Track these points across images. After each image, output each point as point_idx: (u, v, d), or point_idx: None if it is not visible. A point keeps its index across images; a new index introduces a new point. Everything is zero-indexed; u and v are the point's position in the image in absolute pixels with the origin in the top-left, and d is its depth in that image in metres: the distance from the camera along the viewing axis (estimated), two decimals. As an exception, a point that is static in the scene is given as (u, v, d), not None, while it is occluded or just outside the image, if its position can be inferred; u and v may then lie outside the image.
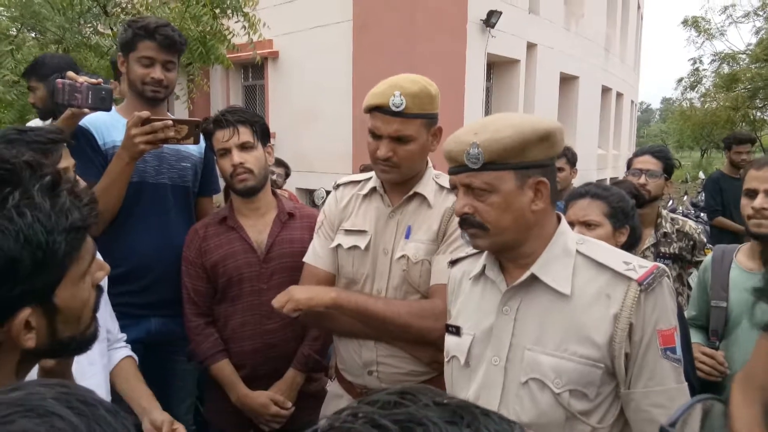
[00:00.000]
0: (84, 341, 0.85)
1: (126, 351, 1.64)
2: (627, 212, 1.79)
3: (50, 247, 0.71)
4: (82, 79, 1.78)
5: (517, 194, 1.09)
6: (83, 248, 0.78)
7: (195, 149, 2.11)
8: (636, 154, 2.65)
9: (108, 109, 1.85)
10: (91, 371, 1.36)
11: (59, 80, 1.76)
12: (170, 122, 1.76)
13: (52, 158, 1.31)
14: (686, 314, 1.95)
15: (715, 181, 4.50)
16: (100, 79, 1.88)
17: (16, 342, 0.73)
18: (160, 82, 1.95)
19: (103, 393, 1.47)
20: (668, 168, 2.54)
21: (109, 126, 1.96)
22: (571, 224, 1.80)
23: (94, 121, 1.95)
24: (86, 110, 1.78)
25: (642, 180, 2.45)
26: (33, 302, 0.73)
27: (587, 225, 1.76)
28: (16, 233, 0.68)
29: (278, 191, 2.19)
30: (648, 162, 2.51)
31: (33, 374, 0.88)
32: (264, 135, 1.89)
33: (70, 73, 1.82)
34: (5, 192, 0.69)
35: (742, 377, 1.35)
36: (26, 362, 0.80)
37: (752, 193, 1.76)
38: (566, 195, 2.03)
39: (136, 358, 1.67)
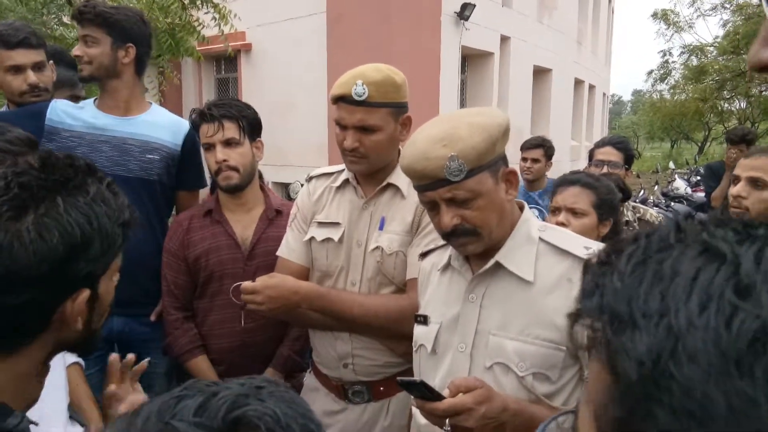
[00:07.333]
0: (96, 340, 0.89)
1: (73, 356, 1.59)
2: (613, 205, 1.79)
3: (112, 237, 0.80)
4: None
5: (495, 190, 1.11)
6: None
7: (170, 141, 2.01)
8: (597, 146, 2.71)
9: None
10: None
11: None
12: None
13: None
14: None
15: (714, 170, 4.51)
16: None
17: (69, 323, 0.78)
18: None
19: (62, 384, 1.44)
20: (628, 159, 2.61)
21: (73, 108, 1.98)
22: (558, 209, 1.82)
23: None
24: None
25: (604, 171, 2.49)
26: (87, 286, 0.79)
27: (574, 212, 1.76)
28: (96, 218, 0.78)
29: None
30: (609, 153, 2.58)
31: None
32: (253, 130, 1.84)
33: None
34: (87, 181, 0.79)
35: None
36: (53, 353, 0.83)
37: (736, 181, 1.77)
38: (556, 181, 2.04)
39: (82, 364, 1.63)
